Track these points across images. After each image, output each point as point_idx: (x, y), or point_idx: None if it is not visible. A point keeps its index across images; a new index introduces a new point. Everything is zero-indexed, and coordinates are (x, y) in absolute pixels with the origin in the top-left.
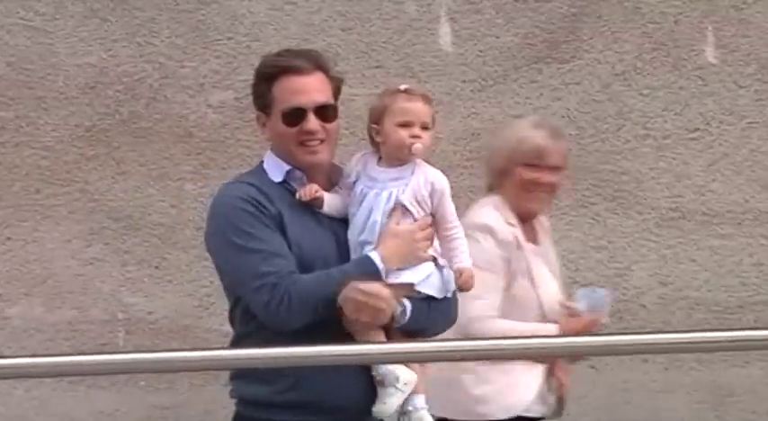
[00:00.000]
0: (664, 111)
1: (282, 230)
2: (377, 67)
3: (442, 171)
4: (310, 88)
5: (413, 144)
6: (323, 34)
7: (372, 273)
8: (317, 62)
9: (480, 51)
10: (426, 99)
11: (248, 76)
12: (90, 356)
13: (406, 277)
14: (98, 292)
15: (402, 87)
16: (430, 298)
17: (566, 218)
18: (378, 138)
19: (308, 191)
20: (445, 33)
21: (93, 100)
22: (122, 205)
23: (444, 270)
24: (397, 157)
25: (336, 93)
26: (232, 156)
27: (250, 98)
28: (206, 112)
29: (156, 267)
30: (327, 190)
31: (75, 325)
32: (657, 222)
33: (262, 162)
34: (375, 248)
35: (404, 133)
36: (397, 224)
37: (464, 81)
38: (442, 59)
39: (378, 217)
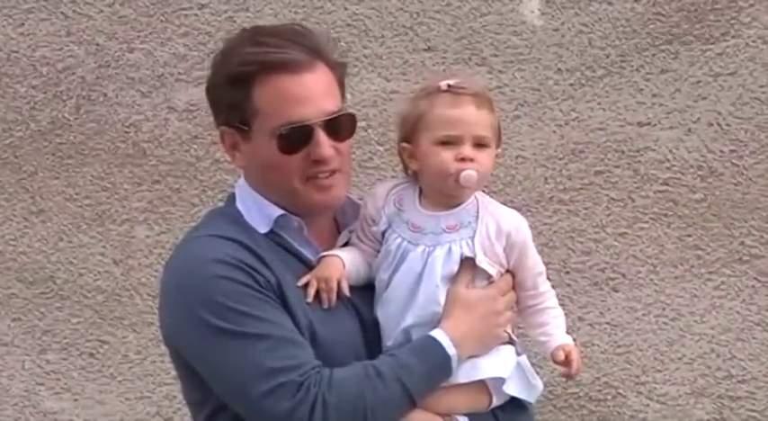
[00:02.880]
0: None
1: (285, 309)
2: (426, 49)
3: (527, 206)
4: (314, 93)
5: (461, 171)
6: (342, 1)
7: (440, 364)
8: (310, 46)
9: (584, 26)
10: (482, 100)
11: None
12: None
13: (487, 369)
14: (4, 392)
15: (444, 83)
16: (501, 409)
17: (715, 278)
18: (412, 165)
19: (329, 295)
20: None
21: None
22: (39, 261)
23: (522, 359)
24: (443, 192)
25: (342, 88)
26: (207, 186)
27: None
28: (167, 119)
29: (92, 355)
30: (333, 237)
31: None
32: None
33: (233, 199)
34: (438, 326)
35: (447, 155)
36: (467, 288)
37: (559, 70)
38: (525, 38)
39: (434, 285)
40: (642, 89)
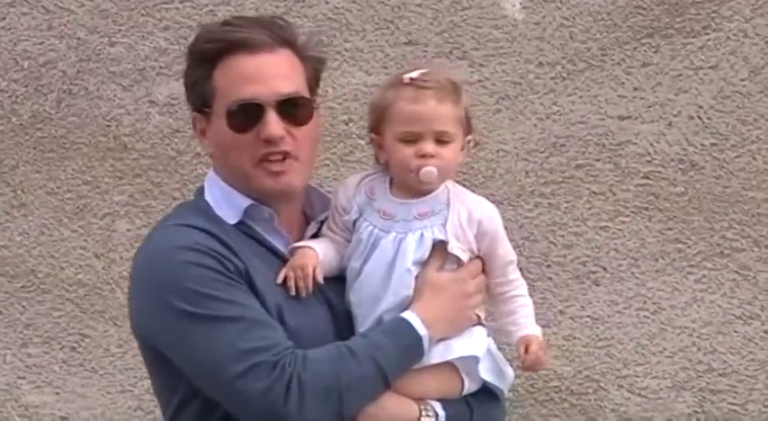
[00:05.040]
0: None
1: (254, 295)
2: (407, 43)
3: (509, 200)
4: (269, 72)
5: (421, 167)
6: None
7: (412, 344)
8: (280, 33)
9: (565, 19)
10: (445, 94)
11: None
12: None
13: (460, 349)
14: None
15: (407, 77)
16: (474, 397)
17: (696, 272)
18: (381, 156)
19: (305, 281)
20: None
21: None
22: (20, 254)
23: (492, 345)
24: (407, 185)
25: (313, 81)
26: (188, 180)
27: None
28: (148, 113)
29: (73, 349)
30: (301, 229)
31: None
32: None
33: (201, 191)
34: (409, 308)
35: (408, 151)
36: (437, 272)
37: (540, 64)
38: (506, 32)
39: (405, 270)
40: (623, 82)
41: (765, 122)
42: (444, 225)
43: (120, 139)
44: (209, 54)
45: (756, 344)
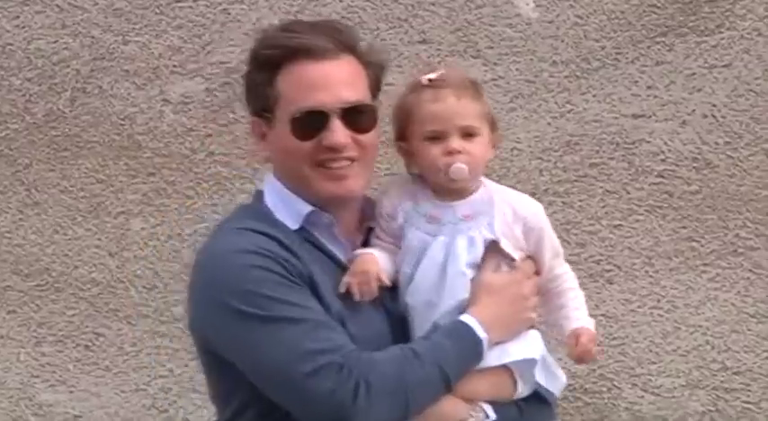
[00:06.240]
0: None
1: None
2: (421, 41)
3: None
4: (333, 80)
5: (450, 165)
6: None
7: (472, 348)
8: (342, 39)
9: (579, 18)
10: (463, 90)
11: (225, 56)
12: None
13: (517, 352)
14: None
15: (425, 78)
16: (525, 401)
17: (710, 271)
18: (411, 166)
19: (370, 286)
20: None
21: None
22: (34, 253)
23: (544, 349)
24: (442, 186)
25: (375, 86)
26: (201, 179)
27: (226, 89)
28: (162, 111)
29: (87, 347)
30: (359, 236)
31: None
32: None
33: (261, 195)
34: (467, 311)
35: (435, 150)
36: (492, 273)
37: (554, 63)
38: (520, 31)
39: (460, 273)
40: (637, 81)
41: None
42: (492, 224)
43: (134, 138)
44: (271, 60)
45: None
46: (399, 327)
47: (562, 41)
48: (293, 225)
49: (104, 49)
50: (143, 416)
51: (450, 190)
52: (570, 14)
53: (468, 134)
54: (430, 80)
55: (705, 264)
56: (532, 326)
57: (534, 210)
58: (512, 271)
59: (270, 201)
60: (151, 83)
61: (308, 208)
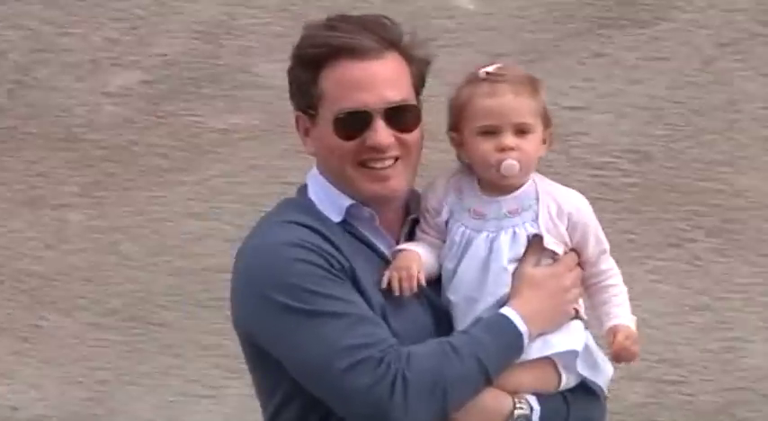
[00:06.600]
0: None
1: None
2: None
3: None
4: (377, 79)
5: (502, 161)
6: None
7: (512, 341)
8: (386, 36)
9: (518, 10)
10: (522, 86)
11: (164, 48)
12: None
13: (559, 344)
14: None
15: (483, 71)
16: (572, 393)
17: (649, 262)
18: (462, 155)
19: (410, 282)
20: None
21: None
22: None
23: (589, 339)
24: (491, 181)
25: (419, 82)
26: (141, 171)
27: (165, 81)
28: (100, 104)
29: (26, 339)
30: (401, 227)
31: None
32: None
33: (305, 188)
34: (507, 305)
35: (488, 145)
36: (534, 267)
37: (493, 55)
38: (460, 22)
39: (501, 268)
40: (576, 73)
41: (718, 113)
42: (536, 220)
43: (73, 130)
44: (314, 59)
45: (709, 334)
46: (444, 321)
47: (500, 34)
48: (336, 218)
49: (43, 41)
50: (82, 408)
51: (497, 185)
52: (509, 7)
53: (521, 131)
54: (487, 73)
55: (644, 256)
56: (577, 317)
57: (578, 206)
58: (553, 263)
59: (313, 194)
60: (90, 75)
61: (348, 201)
